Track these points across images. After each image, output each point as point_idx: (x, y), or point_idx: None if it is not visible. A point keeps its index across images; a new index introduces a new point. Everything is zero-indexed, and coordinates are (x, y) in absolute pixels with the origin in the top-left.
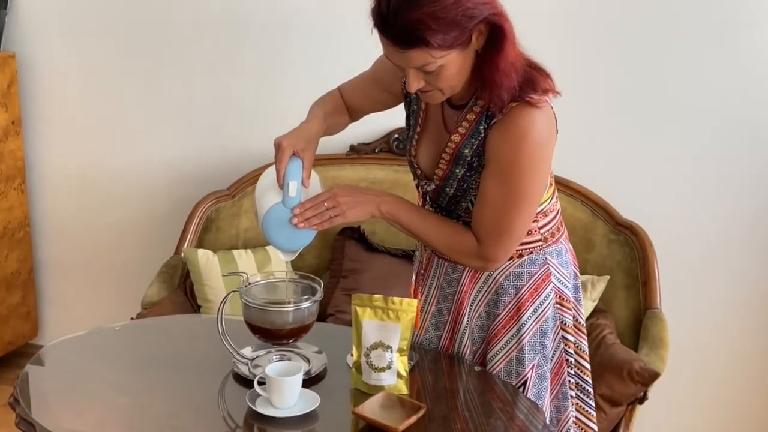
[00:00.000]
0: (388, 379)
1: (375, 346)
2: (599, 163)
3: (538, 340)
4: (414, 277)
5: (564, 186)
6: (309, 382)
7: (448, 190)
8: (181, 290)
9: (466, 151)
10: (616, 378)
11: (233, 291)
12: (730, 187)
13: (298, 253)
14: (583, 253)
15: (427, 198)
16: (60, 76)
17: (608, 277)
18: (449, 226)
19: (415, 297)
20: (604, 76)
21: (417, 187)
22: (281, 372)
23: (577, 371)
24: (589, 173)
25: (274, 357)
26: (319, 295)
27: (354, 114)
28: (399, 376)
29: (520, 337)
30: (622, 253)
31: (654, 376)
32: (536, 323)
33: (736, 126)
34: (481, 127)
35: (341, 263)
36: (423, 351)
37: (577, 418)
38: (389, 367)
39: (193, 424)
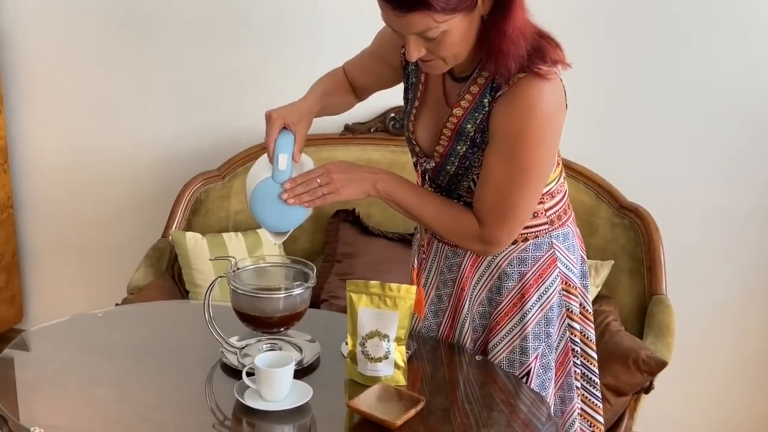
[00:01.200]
0: (384, 370)
1: (371, 335)
2: (603, 144)
3: (543, 329)
4: (416, 261)
5: (566, 167)
6: (301, 372)
7: (448, 168)
8: (168, 275)
9: (469, 126)
10: (621, 367)
11: (220, 276)
12: (738, 171)
13: (288, 234)
14: (586, 237)
15: (426, 177)
16: (44, 53)
17: (612, 261)
18: (449, 206)
19: (418, 282)
20: (613, 54)
21: (415, 166)
22: (271, 362)
23: (583, 361)
24: (593, 154)
25: (264, 346)
26: (311, 281)
27: (360, 93)
28: (396, 366)
29: (523, 326)
30: (627, 237)
31: (661, 364)
32: (541, 311)
33: (746, 110)
34: (486, 100)
35: (335, 247)
36: (421, 339)
37: (582, 409)
38: (386, 358)
39: (177, 417)
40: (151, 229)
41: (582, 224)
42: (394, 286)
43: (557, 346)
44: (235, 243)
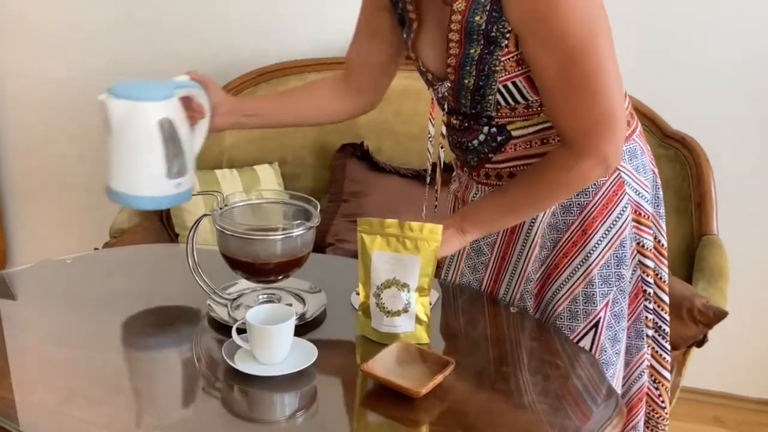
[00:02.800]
0: (404, 326)
1: (388, 285)
2: (643, 66)
3: (613, 270)
4: (452, 203)
5: None
6: (303, 329)
7: (466, 82)
8: (156, 216)
9: (477, 17)
10: (673, 317)
11: (204, 215)
12: None
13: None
14: None
15: (446, 107)
16: None
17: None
18: (531, 170)
19: None
20: None
21: (433, 101)
22: (267, 317)
23: (655, 307)
24: (631, 77)
25: (260, 298)
26: (315, 220)
27: (368, 89)
28: (418, 321)
29: (588, 268)
30: (672, 170)
31: (720, 315)
32: (609, 248)
33: None
34: None
35: (342, 185)
36: (451, 289)
37: (649, 364)
38: (406, 311)
39: (153, 384)
40: None
41: None
42: (415, 225)
43: (630, 289)
44: (229, 180)
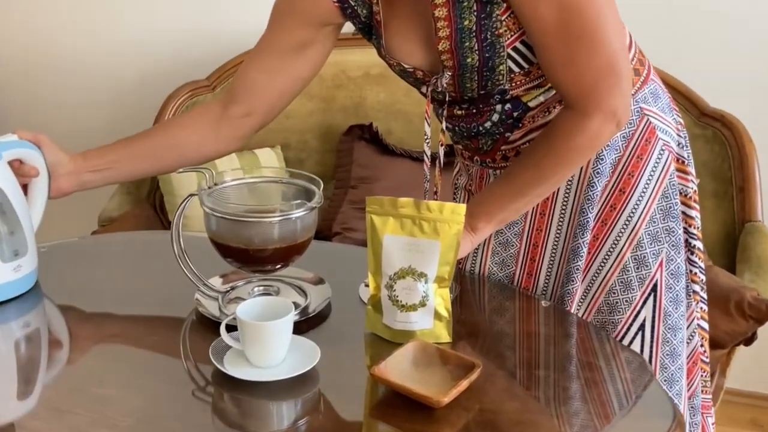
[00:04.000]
0: (421, 322)
1: (402, 274)
2: (677, 39)
3: (660, 225)
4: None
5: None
6: (305, 325)
7: (469, 61)
8: (149, 203)
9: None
10: (720, 312)
11: (191, 195)
12: None
13: None
14: None
15: (447, 101)
16: None
17: (697, 180)
18: (534, 145)
19: None
20: None
21: (428, 101)
22: (262, 312)
23: (695, 258)
24: (664, 52)
25: (255, 290)
26: (317, 200)
27: (255, 116)
28: (438, 317)
29: (633, 229)
30: (710, 152)
31: None
32: (652, 201)
33: None
34: None
35: (349, 170)
36: (477, 280)
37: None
38: (423, 305)
39: (128, 391)
40: None
41: None
42: (433, 204)
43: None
44: (227, 165)
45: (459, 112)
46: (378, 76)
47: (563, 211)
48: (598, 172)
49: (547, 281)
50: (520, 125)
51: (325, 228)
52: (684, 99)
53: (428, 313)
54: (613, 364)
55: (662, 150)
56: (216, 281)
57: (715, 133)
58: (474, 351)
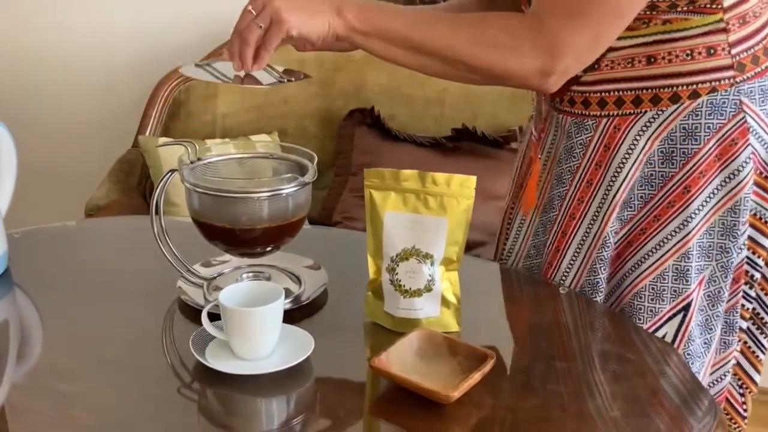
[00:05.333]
0: (426, 309)
1: (405, 256)
2: None
3: (716, 240)
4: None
5: None
6: (298, 314)
7: None
8: (139, 192)
9: None
10: None
11: (172, 171)
12: None
13: None
14: None
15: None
16: None
17: None
18: (475, 14)
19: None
20: None
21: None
22: (248, 298)
23: (759, 292)
24: None
25: (244, 275)
26: (310, 175)
27: None
28: (445, 303)
29: (685, 236)
30: None
31: None
32: (715, 211)
33: None
34: None
35: (350, 156)
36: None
37: (737, 362)
38: (429, 290)
39: (102, 390)
40: (123, 139)
41: None
42: (440, 176)
43: (734, 270)
44: (223, 152)
45: None
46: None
47: (609, 188)
48: (666, 159)
49: (573, 259)
50: (597, 66)
51: (324, 217)
52: None
53: (434, 299)
54: (644, 356)
55: (749, 158)
56: (201, 269)
57: None
58: (485, 340)
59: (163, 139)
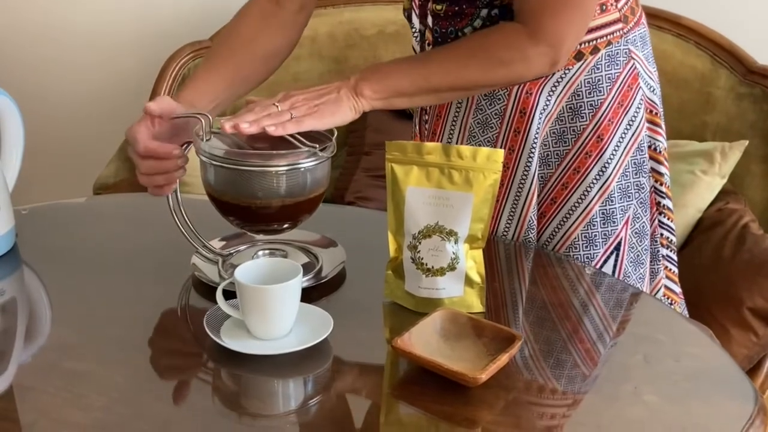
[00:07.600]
0: (449, 289)
1: (428, 233)
2: None
3: (632, 180)
4: (417, 126)
5: (671, 23)
6: (316, 292)
7: None
8: None
9: None
10: None
11: (186, 143)
12: None
13: None
14: (700, 114)
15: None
16: None
17: (746, 142)
18: (468, 39)
19: None
20: None
21: (410, 16)
22: (265, 276)
23: (665, 219)
24: (707, 4)
25: (261, 253)
26: (330, 149)
27: (307, 6)
28: (469, 283)
29: (606, 181)
30: (758, 112)
31: None
32: (627, 153)
33: None
34: None
35: (363, 135)
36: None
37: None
38: (452, 268)
39: (111, 369)
40: (133, 117)
41: (694, 97)
42: (465, 149)
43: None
44: None
45: (439, 7)
46: (394, 34)
47: (531, 154)
48: (575, 114)
49: (507, 226)
50: None
51: (337, 197)
52: (728, 55)
53: (458, 278)
54: (678, 337)
55: (641, 100)
56: (217, 244)
57: (764, 92)
58: (512, 322)
59: (177, 111)
